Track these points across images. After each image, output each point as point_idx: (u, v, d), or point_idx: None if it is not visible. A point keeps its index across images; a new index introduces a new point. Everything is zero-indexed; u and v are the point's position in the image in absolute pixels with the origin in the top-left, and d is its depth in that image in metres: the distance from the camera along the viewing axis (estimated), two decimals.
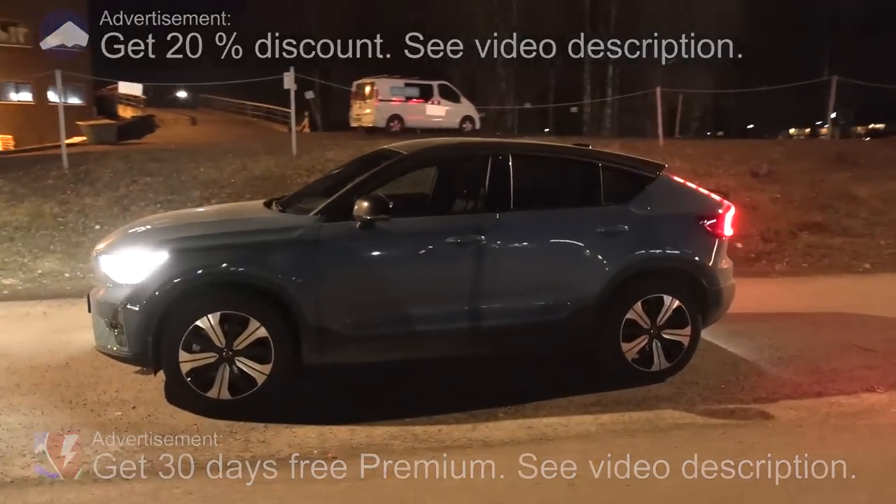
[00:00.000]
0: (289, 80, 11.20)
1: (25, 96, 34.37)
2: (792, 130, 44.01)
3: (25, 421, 4.13)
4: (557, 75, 33.79)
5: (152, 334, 4.12)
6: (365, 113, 23.20)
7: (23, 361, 5.12)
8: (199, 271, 4.18)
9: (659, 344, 4.86)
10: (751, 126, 44.58)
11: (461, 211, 4.79)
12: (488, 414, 4.29)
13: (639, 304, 4.78)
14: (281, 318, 4.25)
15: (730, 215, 5.07)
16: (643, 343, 4.83)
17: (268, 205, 4.94)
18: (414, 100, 23.19)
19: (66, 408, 4.33)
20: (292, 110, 12.23)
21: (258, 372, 4.26)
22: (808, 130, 43.17)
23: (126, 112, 35.91)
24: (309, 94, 29.61)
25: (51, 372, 4.93)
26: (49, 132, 28.69)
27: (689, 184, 5.18)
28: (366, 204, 4.27)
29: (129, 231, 4.68)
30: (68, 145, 22.80)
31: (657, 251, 4.84)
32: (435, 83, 23.64)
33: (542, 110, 33.04)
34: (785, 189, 11.03)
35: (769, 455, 3.76)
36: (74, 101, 36.06)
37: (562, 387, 4.73)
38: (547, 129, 30.29)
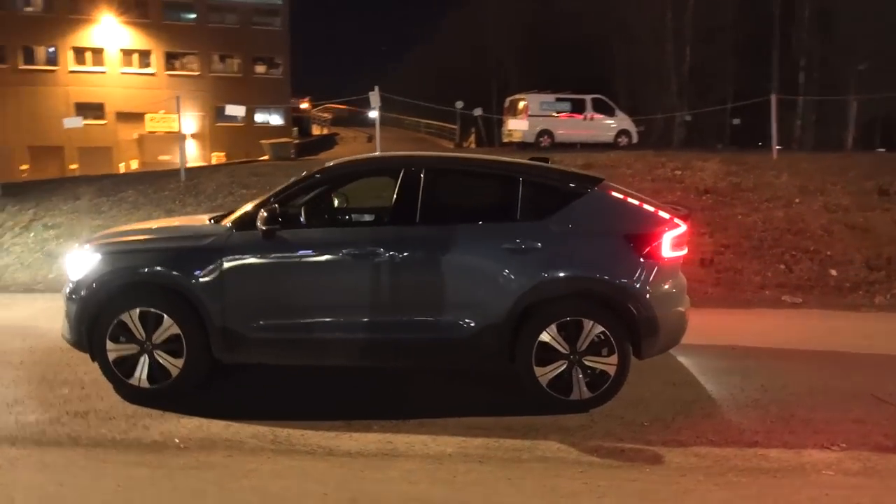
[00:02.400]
0: (374, 99, 11.76)
1: (237, 118, 39.12)
2: None
3: None
4: (738, 83, 31.34)
5: (86, 324, 4.70)
6: (516, 129, 23.37)
7: (44, 343, 6.03)
8: (122, 271, 4.70)
9: (580, 371, 4.52)
10: None
11: (368, 223, 4.83)
12: (364, 425, 4.31)
13: (554, 326, 4.49)
14: (191, 317, 4.63)
15: (671, 236, 4.57)
16: (561, 369, 4.52)
17: (211, 218, 5.34)
18: (565, 114, 22.88)
19: (34, 382, 5.07)
20: (377, 126, 12.85)
21: (172, 365, 4.68)
22: None
23: (317, 131, 39.44)
24: (477, 111, 30.44)
25: (56, 353, 5.74)
26: (255, 149, 32.50)
27: (630, 200, 4.72)
28: (264, 215, 4.53)
29: (94, 235, 5.36)
30: (254, 161, 25.61)
31: (573, 271, 4.51)
32: (588, 97, 23.14)
33: (720, 121, 30.79)
34: None
35: (599, 499, 3.42)
36: (276, 121, 40.39)
37: (471, 407, 4.60)
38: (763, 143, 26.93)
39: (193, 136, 38.56)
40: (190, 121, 38.42)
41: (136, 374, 4.70)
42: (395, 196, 4.67)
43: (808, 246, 8.70)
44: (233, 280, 4.61)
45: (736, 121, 23.64)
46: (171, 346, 4.67)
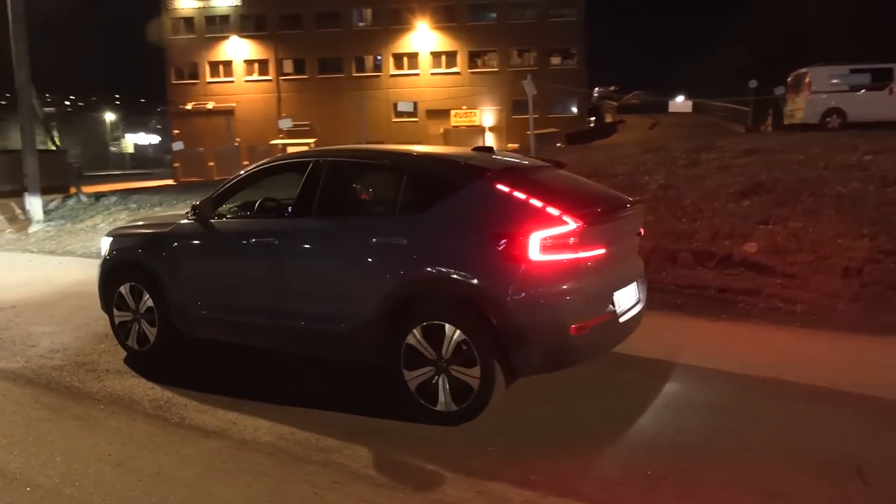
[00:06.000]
0: (528, 87, 11.28)
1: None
2: None
3: (47, 329, 6.38)
4: None
5: (102, 293, 5.80)
6: (798, 108, 20.24)
7: None
8: (121, 252, 5.67)
9: (446, 381, 4.17)
10: None
11: (276, 216, 5.03)
12: (241, 405, 4.56)
13: (418, 329, 4.20)
14: (159, 293, 5.40)
15: (542, 235, 3.88)
16: (428, 376, 4.22)
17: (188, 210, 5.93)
18: (862, 89, 19.08)
19: (95, 336, 6.35)
20: (530, 113, 12.25)
21: (150, 333, 5.52)
22: None
23: (608, 118, 38.82)
24: (779, 90, 27.35)
25: None
26: (545, 139, 33.46)
27: (516, 194, 4.09)
28: (194, 204, 5.09)
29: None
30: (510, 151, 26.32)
31: (432, 271, 4.12)
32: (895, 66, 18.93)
33: None
34: None
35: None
36: (572, 111, 40.78)
37: (358, 405, 4.53)
38: None
39: (491, 129, 40.99)
40: (488, 115, 40.94)
41: (131, 337, 5.65)
42: (298, 189, 4.81)
43: None
44: (182, 263, 5.25)
45: None
46: (149, 316, 5.50)
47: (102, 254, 5.90)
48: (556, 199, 4.14)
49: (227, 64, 43.00)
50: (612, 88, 47.64)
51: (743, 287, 6.90)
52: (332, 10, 41.04)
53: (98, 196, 15.50)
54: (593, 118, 43.36)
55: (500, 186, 4.19)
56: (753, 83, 28.37)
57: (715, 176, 8.61)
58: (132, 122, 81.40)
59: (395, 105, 21.08)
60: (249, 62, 42.72)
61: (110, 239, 5.83)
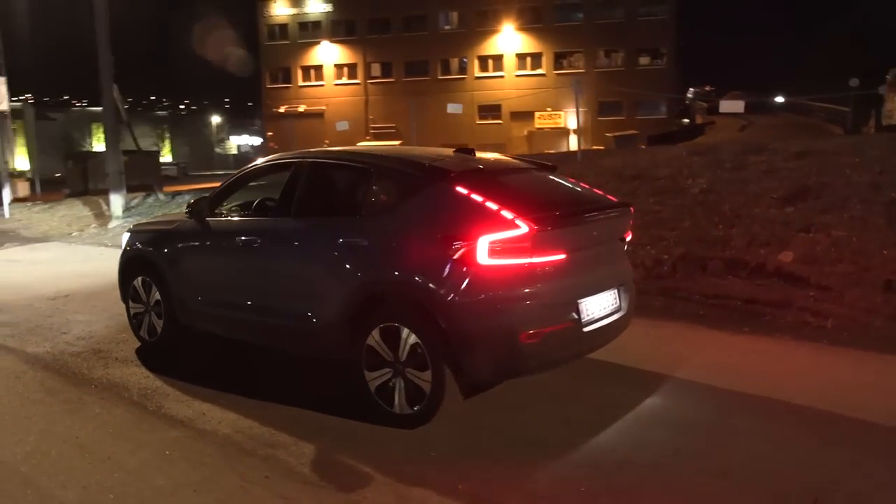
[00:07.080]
0: (577, 87, 10.94)
1: (618, 111, 39.48)
2: None
3: (84, 318, 6.82)
4: None
5: (121, 285, 6.15)
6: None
7: None
8: (134, 248, 5.97)
9: (402, 383, 4.15)
10: None
11: (262, 215, 5.13)
12: (216, 397, 4.71)
13: (377, 330, 4.20)
14: (164, 287, 5.66)
15: (490, 239, 3.78)
16: (387, 377, 4.22)
17: None
18: None
19: (115, 321, 6.73)
20: (577, 116, 11.80)
21: (158, 325, 5.80)
22: None
23: (698, 119, 37.37)
24: (882, 89, 25.63)
25: None
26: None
27: (473, 197, 3.99)
28: (190, 202, 5.29)
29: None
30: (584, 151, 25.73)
31: (387, 273, 4.11)
32: None
33: None
34: None
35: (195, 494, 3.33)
36: (659, 112, 39.49)
37: (333, 405, 4.56)
38: None
39: (575, 131, 40.25)
40: (573, 117, 40.22)
41: (143, 328, 5.95)
42: (282, 189, 4.91)
43: None
44: (178, 258, 5.49)
45: None
46: (157, 308, 5.78)
47: (122, 247, 6.25)
48: (515, 202, 4.02)
49: (318, 68, 44.46)
50: (707, 88, 45.84)
51: (773, 299, 6.46)
52: (419, 14, 41.63)
53: (173, 195, 16.41)
54: (686, 119, 41.86)
55: (458, 189, 4.12)
56: (854, 82, 26.53)
57: (760, 180, 8.09)
58: (236, 124, 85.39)
59: (447, 106, 21.23)
60: (339, 66, 43.99)
61: (128, 234, 6.16)
